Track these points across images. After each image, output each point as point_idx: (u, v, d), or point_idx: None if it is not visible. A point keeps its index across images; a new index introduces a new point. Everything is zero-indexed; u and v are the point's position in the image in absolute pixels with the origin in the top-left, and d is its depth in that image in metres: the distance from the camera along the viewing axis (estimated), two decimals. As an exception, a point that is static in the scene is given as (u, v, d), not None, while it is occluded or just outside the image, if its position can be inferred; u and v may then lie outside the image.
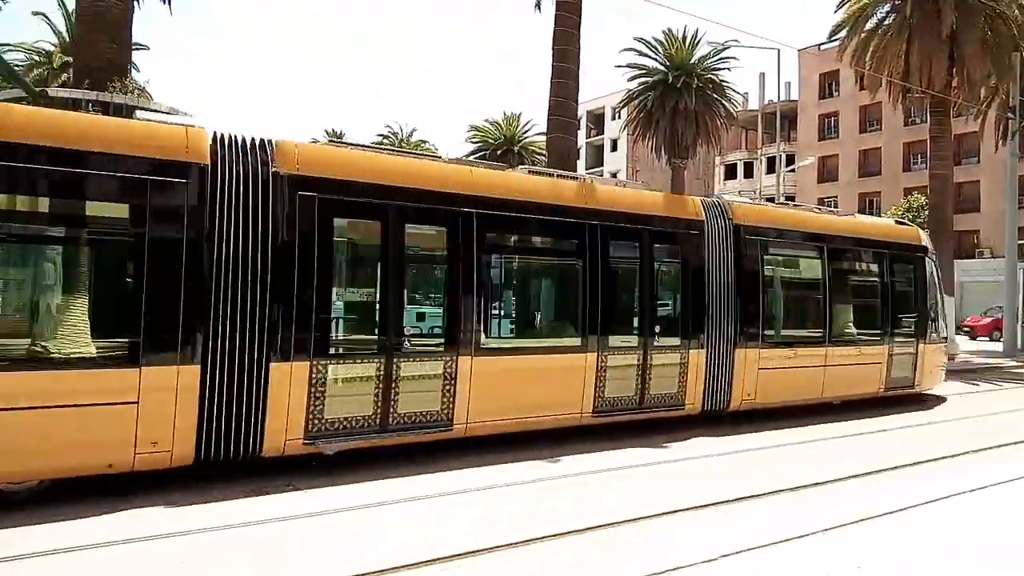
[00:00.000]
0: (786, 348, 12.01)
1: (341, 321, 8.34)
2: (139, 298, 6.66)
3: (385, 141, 62.31)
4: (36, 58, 32.02)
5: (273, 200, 7.31)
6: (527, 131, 60.16)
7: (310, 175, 7.62)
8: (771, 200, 30.10)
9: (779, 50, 32.38)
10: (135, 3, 12.80)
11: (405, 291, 8.55)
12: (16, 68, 28.33)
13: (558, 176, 10.14)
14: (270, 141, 7.61)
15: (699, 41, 40.86)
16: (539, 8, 21.59)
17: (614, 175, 67.95)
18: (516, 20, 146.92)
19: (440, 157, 9.22)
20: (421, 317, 9.13)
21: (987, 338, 37.91)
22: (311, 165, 7.72)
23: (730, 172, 67.19)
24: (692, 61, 40.52)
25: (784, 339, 12.19)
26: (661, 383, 10.47)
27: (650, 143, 41.49)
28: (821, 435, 11.02)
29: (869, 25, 27.86)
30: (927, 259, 14.53)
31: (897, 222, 15.43)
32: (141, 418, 6.60)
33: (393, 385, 8.03)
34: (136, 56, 19.52)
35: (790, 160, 53.47)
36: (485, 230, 8.76)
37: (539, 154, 56.84)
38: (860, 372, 12.99)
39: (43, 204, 6.80)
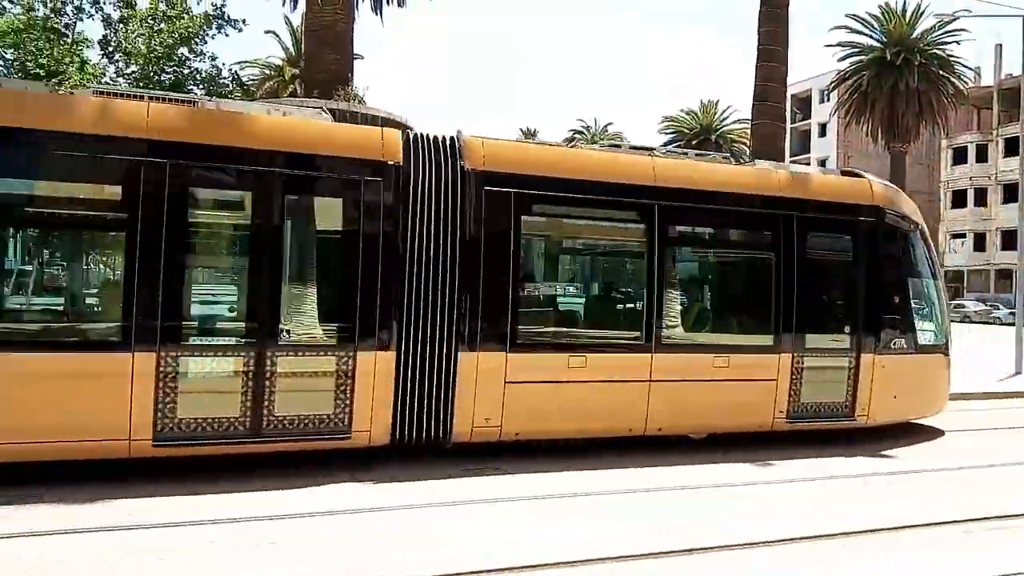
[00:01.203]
0: (564, 353, 7.98)
1: None
2: None
3: (577, 136, 62.76)
4: (268, 72, 35.55)
5: None
6: (725, 118, 58.02)
7: None
8: (1014, 190, 26.61)
9: (1022, 18, 28.40)
10: (355, 16, 13.72)
11: None
12: (251, 81, 31.69)
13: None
14: None
15: (922, 13, 37.20)
16: (743, -9, 20.59)
17: (822, 163, 63.52)
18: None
19: None
20: None
21: None
22: None
23: (959, 156, 60.46)
24: (913, 36, 37.01)
25: (561, 340, 8.34)
26: (301, 400, 7.04)
27: (865, 126, 38.46)
28: (554, 490, 6.91)
29: None
30: (886, 226, 9.40)
31: (844, 172, 10.38)
32: None
33: None
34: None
35: (1033, 140, 47.05)
36: None
37: (738, 142, 54.64)
38: (729, 393, 8.54)
39: None
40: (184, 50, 21.98)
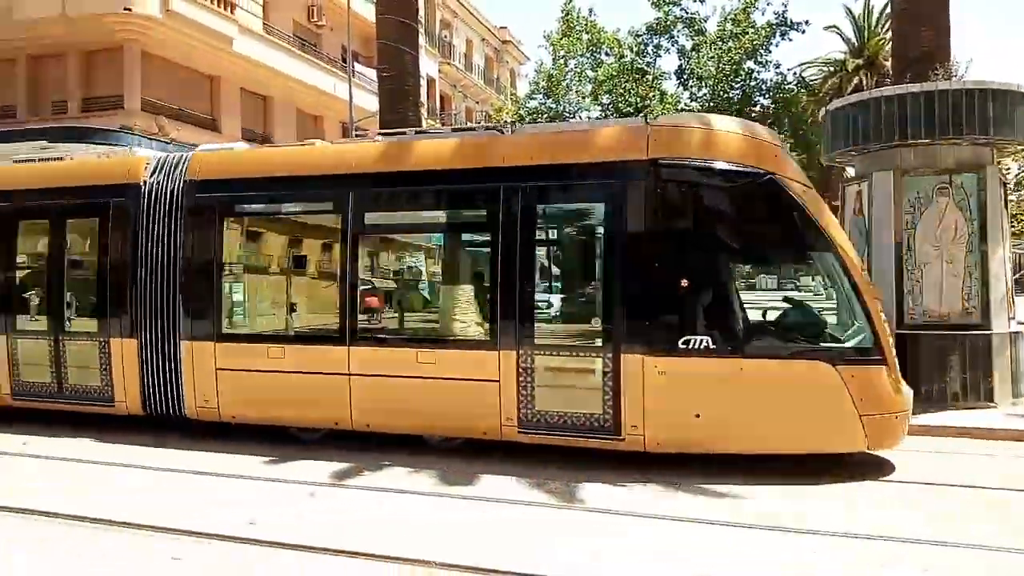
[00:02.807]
0: (264, 344, 8.15)
1: None
2: None
3: None
4: (828, 69, 34.27)
5: None
6: None
7: None
8: None
9: None
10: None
11: None
12: (812, 82, 30.87)
13: None
14: None
15: None
16: None
17: None
18: None
19: None
20: None
21: None
22: None
23: None
24: None
25: (262, 332, 8.53)
26: (84, 375, 8.84)
27: None
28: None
29: None
30: (667, 186, 6.83)
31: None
32: None
33: None
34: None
35: None
36: None
37: None
38: (441, 393, 7.29)
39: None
40: (750, 63, 22.56)
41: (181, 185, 8.41)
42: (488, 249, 7.41)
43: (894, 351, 6.90)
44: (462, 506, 5.92)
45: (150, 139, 19.73)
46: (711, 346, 6.66)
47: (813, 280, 7.98)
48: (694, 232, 6.98)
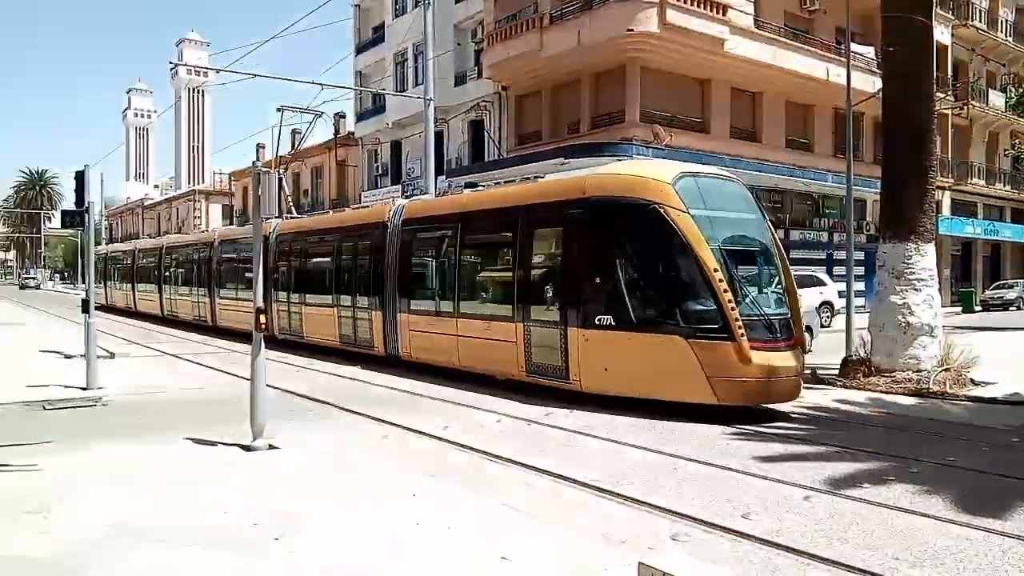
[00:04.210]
0: (423, 316, 13.23)
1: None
2: None
3: None
4: None
5: None
6: None
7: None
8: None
9: None
10: None
11: None
12: None
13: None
14: None
15: None
16: None
17: None
18: None
19: None
20: None
21: None
22: None
23: None
24: None
25: (421, 308, 13.39)
26: (360, 329, 14.89)
27: None
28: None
29: None
30: (592, 216, 10.45)
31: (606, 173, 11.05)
32: None
33: None
34: None
35: None
36: None
37: None
38: (493, 347, 11.65)
39: None
40: None
41: (399, 222, 14.08)
42: (510, 258, 11.63)
43: (752, 332, 9.16)
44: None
45: (647, 147, 21.38)
46: (612, 323, 9.85)
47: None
48: (601, 246, 10.23)
